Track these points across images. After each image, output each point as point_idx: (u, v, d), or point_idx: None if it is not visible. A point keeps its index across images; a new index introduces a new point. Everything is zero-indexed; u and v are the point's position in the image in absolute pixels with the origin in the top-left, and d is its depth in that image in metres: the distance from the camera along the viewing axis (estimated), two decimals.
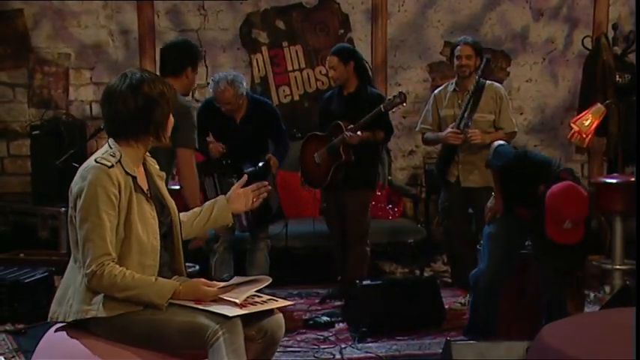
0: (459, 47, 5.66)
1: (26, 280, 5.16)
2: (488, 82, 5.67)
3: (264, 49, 7.37)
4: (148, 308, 3.09)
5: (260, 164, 5.45)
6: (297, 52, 7.25)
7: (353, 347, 4.74)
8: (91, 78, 7.56)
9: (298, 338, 4.97)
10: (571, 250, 4.31)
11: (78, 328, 3.13)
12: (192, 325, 3.08)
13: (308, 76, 7.24)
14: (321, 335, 4.99)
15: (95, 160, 3.10)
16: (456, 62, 5.63)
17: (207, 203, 3.60)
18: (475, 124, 5.58)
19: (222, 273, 5.53)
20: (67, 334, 3.15)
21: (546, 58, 7.74)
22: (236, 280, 3.33)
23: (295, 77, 7.26)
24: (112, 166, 3.11)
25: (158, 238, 3.23)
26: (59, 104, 7.43)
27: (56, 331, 3.18)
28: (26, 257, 5.76)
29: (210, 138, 5.77)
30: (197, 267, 5.61)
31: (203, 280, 3.28)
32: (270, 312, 3.30)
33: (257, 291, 3.30)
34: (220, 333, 3.02)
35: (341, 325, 5.21)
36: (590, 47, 7.03)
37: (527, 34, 7.71)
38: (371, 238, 5.89)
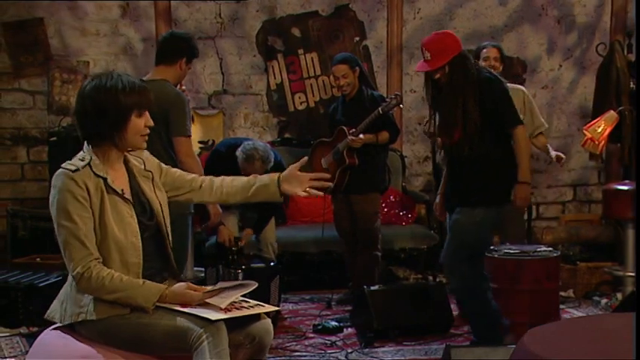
0: (485, 50, 5.67)
1: (40, 284, 5.22)
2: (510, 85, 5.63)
3: (280, 56, 7.40)
4: (135, 311, 3.10)
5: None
6: (312, 59, 7.27)
7: (359, 352, 4.74)
8: None
9: (306, 343, 5.01)
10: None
11: (70, 329, 3.17)
12: (177, 328, 3.08)
13: (323, 83, 7.26)
14: (328, 340, 5.01)
15: (61, 167, 3.12)
16: (484, 63, 5.53)
17: (263, 177, 3.46)
18: None
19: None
20: (61, 334, 3.18)
21: (562, 65, 7.69)
22: (221, 284, 3.32)
23: (311, 84, 7.29)
24: (77, 169, 3.11)
25: (139, 236, 3.21)
26: None
27: (52, 330, 3.22)
28: (42, 261, 5.80)
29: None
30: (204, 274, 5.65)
31: (189, 284, 3.29)
32: (257, 318, 3.29)
33: (246, 296, 3.29)
34: (204, 337, 3.01)
35: (350, 330, 5.22)
36: (604, 54, 6.99)
37: (544, 41, 7.67)
38: (384, 244, 5.92)
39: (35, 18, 7.34)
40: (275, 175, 3.41)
